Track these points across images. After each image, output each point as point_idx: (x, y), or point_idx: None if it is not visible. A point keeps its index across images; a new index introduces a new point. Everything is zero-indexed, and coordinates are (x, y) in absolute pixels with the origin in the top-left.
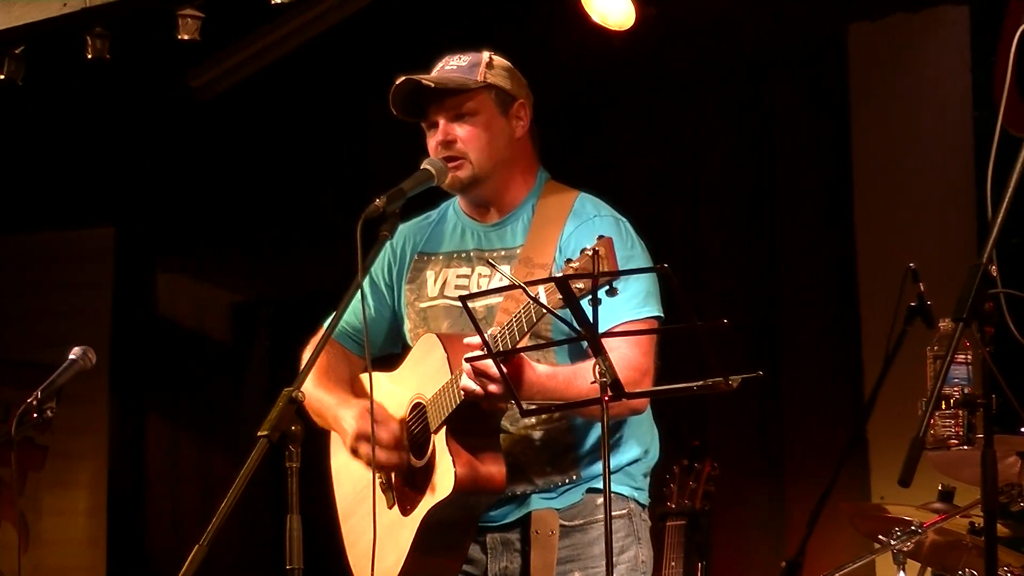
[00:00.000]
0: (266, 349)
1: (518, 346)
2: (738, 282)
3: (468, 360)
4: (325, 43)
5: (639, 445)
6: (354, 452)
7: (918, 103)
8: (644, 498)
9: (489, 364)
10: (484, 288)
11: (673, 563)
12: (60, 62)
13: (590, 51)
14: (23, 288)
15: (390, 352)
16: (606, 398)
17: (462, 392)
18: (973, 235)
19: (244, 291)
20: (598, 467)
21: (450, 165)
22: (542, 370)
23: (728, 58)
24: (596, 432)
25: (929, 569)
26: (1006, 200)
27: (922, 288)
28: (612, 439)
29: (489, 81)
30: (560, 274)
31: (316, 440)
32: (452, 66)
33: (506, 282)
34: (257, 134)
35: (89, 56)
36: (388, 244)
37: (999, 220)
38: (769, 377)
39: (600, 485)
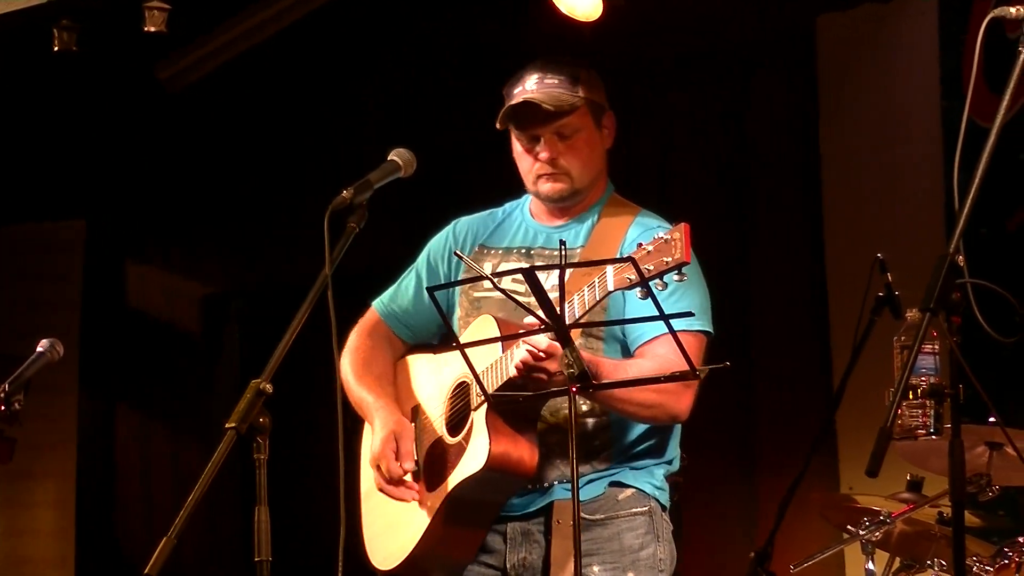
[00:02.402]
0: (237, 340)
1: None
2: (707, 270)
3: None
4: (294, 34)
5: (669, 453)
6: (372, 466)
7: (887, 93)
8: (666, 499)
9: (547, 341)
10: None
11: None
12: (27, 55)
13: (564, 44)
14: None
15: (433, 341)
16: (573, 389)
17: (514, 366)
18: (941, 225)
19: (214, 282)
20: (625, 463)
21: (547, 178)
22: (587, 357)
23: (699, 51)
24: (634, 430)
25: (898, 559)
26: (973, 190)
27: (890, 278)
28: (652, 441)
29: (588, 96)
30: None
31: (285, 432)
32: (552, 80)
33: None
34: (227, 126)
35: (56, 48)
36: (451, 234)
37: (966, 210)
38: (739, 367)
39: (623, 479)
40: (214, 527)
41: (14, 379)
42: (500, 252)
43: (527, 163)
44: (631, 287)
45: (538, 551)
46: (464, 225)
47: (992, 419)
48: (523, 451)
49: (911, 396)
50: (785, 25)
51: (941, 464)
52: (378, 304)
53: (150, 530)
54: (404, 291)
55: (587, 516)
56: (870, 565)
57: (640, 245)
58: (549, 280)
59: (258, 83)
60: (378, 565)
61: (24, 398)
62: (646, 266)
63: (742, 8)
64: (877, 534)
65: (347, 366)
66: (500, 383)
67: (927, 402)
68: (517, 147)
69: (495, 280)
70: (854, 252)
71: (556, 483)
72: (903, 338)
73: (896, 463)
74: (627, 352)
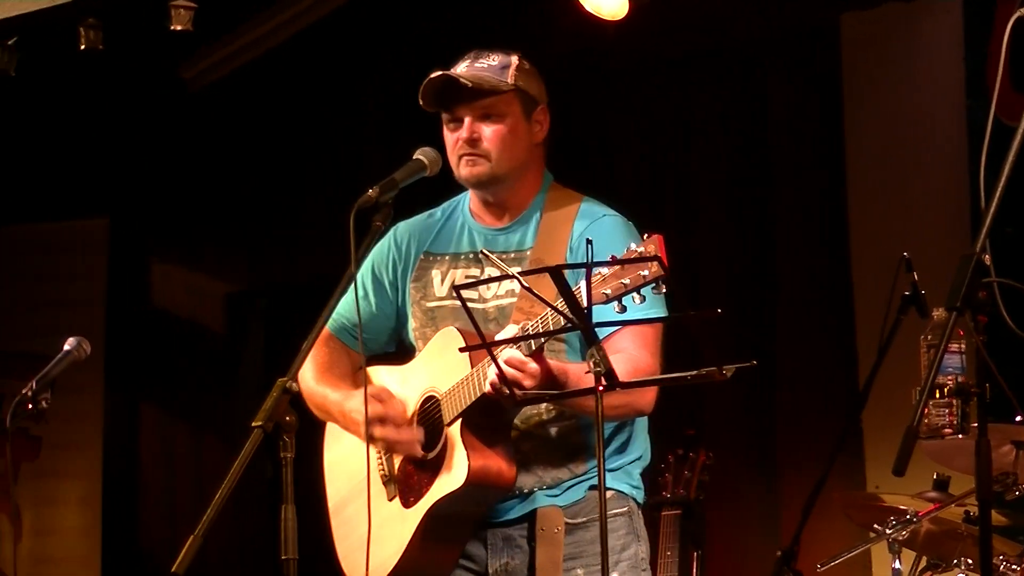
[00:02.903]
0: (261, 339)
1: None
2: (732, 272)
3: (461, 351)
4: (318, 33)
5: (639, 448)
6: (371, 437)
7: (911, 92)
8: (641, 497)
9: (524, 359)
10: (493, 289)
11: (668, 553)
12: (53, 53)
13: (584, 41)
14: (18, 278)
15: (386, 351)
16: (600, 388)
17: (489, 385)
18: (967, 224)
19: (238, 281)
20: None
21: (468, 160)
22: (555, 367)
23: (722, 48)
24: (606, 430)
25: (924, 558)
26: (999, 189)
27: (916, 277)
28: (620, 439)
29: (518, 84)
30: (608, 271)
31: (311, 431)
32: (482, 64)
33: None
34: (250, 124)
35: (82, 47)
36: (392, 242)
37: (992, 209)
38: (764, 367)
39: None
40: (240, 526)
41: (40, 377)
42: (447, 259)
43: (450, 144)
44: (607, 302)
45: (521, 557)
46: (404, 231)
47: (1019, 418)
48: (501, 463)
49: (937, 395)
50: (808, 24)
51: (967, 463)
52: (331, 323)
53: (173, 528)
54: (351, 303)
55: (569, 520)
56: (897, 564)
57: (613, 258)
58: (504, 286)
59: (280, 83)
60: None
61: (51, 396)
62: (622, 280)
63: (764, 6)
64: (904, 533)
65: (307, 372)
66: (471, 402)
67: (953, 401)
68: (445, 131)
69: (521, 279)
70: (879, 251)
71: (537, 490)
72: (929, 337)
73: (922, 462)
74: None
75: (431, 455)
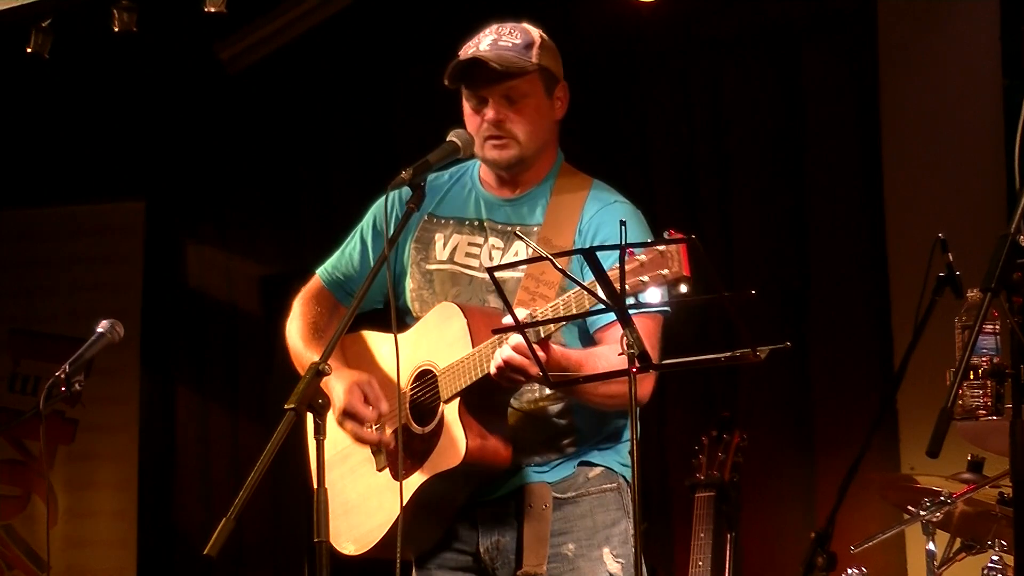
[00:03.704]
0: None
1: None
2: (767, 253)
3: (495, 332)
4: (353, 15)
5: (623, 431)
6: (340, 425)
7: (947, 73)
8: (630, 475)
9: (534, 345)
10: (495, 258)
11: (702, 534)
12: (87, 35)
13: (618, 22)
14: (54, 261)
15: (373, 307)
16: (634, 369)
17: (495, 368)
18: (1002, 205)
19: (273, 263)
20: (592, 444)
21: (495, 144)
22: (558, 351)
23: (758, 29)
24: (593, 414)
25: (958, 539)
26: None
27: (951, 258)
28: (615, 425)
29: (541, 63)
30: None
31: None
32: (506, 44)
33: (514, 254)
34: (286, 106)
35: (116, 29)
36: (397, 198)
37: None
38: (798, 348)
39: (591, 459)
40: (274, 507)
41: (74, 360)
42: (451, 223)
43: (474, 124)
44: (622, 295)
45: (511, 534)
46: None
47: None
48: (499, 444)
49: (972, 376)
50: (845, 5)
51: (1002, 444)
52: (321, 272)
53: (209, 510)
54: (348, 257)
55: (558, 495)
56: (931, 546)
57: (632, 255)
58: (505, 256)
59: (315, 64)
60: (343, 550)
61: (85, 379)
62: (640, 278)
63: None
64: (938, 515)
65: (293, 332)
66: (472, 381)
67: (988, 382)
68: (466, 108)
69: (553, 259)
70: (915, 232)
71: (526, 466)
72: (964, 318)
73: (956, 443)
74: (585, 335)
75: (426, 430)
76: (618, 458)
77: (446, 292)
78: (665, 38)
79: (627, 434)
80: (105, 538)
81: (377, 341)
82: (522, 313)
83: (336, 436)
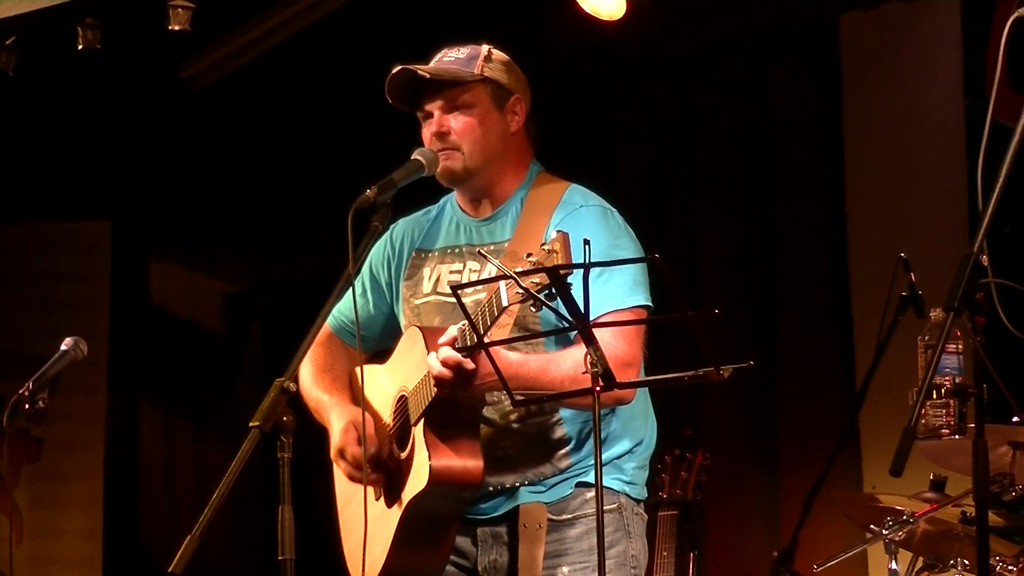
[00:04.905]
0: (260, 338)
1: (490, 333)
2: (731, 272)
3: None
4: (318, 33)
5: (631, 438)
6: (335, 461)
7: (910, 92)
8: (637, 492)
9: (455, 356)
10: (566, 284)
11: (665, 553)
12: (51, 53)
13: (586, 39)
14: (20, 279)
15: (387, 347)
16: (598, 388)
17: (435, 384)
18: (964, 224)
19: (238, 281)
20: (589, 460)
21: (441, 155)
22: (513, 357)
23: (722, 46)
24: (586, 424)
25: (921, 558)
26: (997, 189)
27: (913, 277)
28: (613, 428)
29: (486, 74)
30: (521, 269)
31: (308, 431)
32: (450, 58)
33: (488, 274)
34: (250, 124)
35: (80, 46)
36: (388, 241)
37: (990, 209)
38: (762, 367)
39: (589, 479)
40: (238, 526)
41: (38, 377)
42: (436, 254)
43: (425, 140)
44: (522, 301)
45: (507, 554)
46: (400, 229)
47: (1016, 419)
48: (466, 461)
49: (935, 395)
50: (808, 23)
51: (964, 463)
52: (331, 319)
53: (174, 528)
54: (351, 302)
55: (554, 517)
56: (893, 565)
57: (527, 257)
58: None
59: (280, 82)
60: None
61: (49, 396)
62: (532, 280)
63: (764, 5)
64: (900, 533)
65: (305, 374)
66: (430, 399)
67: (951, 401)
68: (422, 128)
69: (519, 280)
70: (877, 251)
71: (520, 486)
72: (927, 337)
73: (919, 462)
74: (568, 339)
75: (404, 455)
76: (620, 475)
77: (432, 323)
78: (631, 54)
79: (626, 446)
80: (71, 556)
81: (368, 374)
82: (453, 331)
83: None
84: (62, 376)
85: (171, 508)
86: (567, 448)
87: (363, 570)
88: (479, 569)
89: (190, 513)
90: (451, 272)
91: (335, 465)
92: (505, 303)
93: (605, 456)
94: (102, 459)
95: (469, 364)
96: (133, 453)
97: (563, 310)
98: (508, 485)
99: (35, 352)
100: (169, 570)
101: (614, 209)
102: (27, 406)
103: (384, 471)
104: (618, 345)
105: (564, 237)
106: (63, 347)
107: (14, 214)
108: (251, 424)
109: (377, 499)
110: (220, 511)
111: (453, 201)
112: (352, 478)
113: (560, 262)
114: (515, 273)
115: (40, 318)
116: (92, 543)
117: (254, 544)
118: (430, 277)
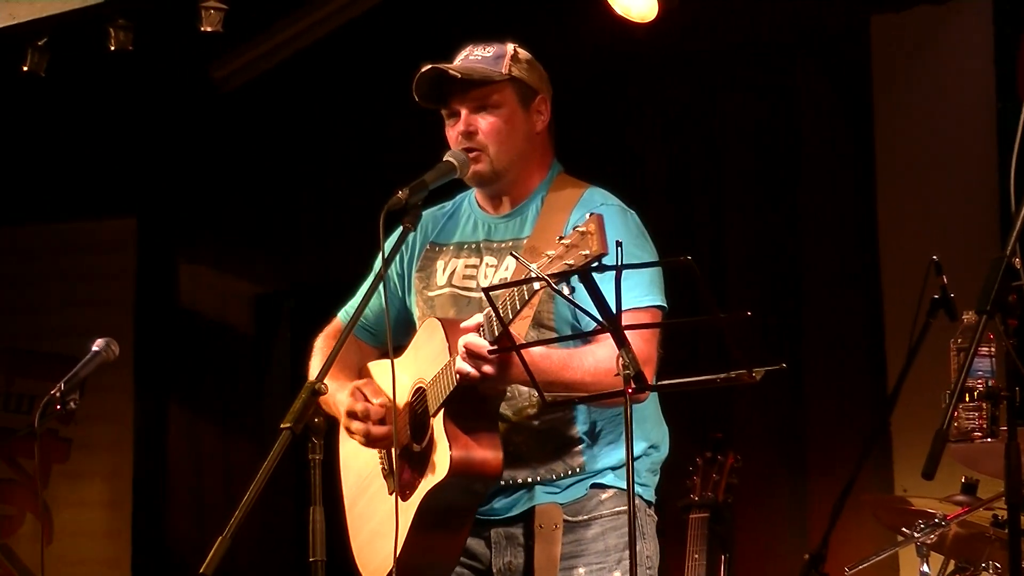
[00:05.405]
0: (289, 340)
1: (512, 325)
2: (760, 274)
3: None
4: (346, 35)
5: (644, 440)
6: (348, 431)
7: (941, 95)
8: (649, 494)
9: (483, 345)
10: (490, 277)
11: (696, 555)
12: (83, 54)
13: (612, 40)
14: (46, 278)
15: (399, 342)
16: (629, 390)
17: (457, 375)
18: (996, 227)
19: (266, 282)
20: (602, 460)
21: (469, 156)
22: (536, 351)
23: (752, 49)
24: (600, 422)
25: (952, 561)
26: None
27: (945, 280)
28: (612, 432)
29: (513, 74)
30: (553, 252)
31: (338, 433)
32: (477, 56)
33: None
34: (279, 125)
35: (112, 47)
36: (399, 233)
37: (1022, 212)
38: (792, 370)
39: (604, 480)
40: (268, 527)
41: (69, 379)
42: (451, 249)
43: (451, 140)
44: (559, 284)
45: (523, 555)
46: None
47: None
48: (486, 452)
49: (967, 398)
50: (838, 25)
51: (996, 466)
52: (342, 314)
53: (201, 529)
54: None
55: (569, 518)
56: (925, 568)
57: (559, 240)
58: (498, 273)
59: (311, 83)
60: None
61: (79, 397)
62: (566, 262)
63: (794, 7)
64: (932, 536)
65: (314, 368)
66: (450, 390)
67: (983, 404)
68: (446, 127)
69: (551, 282)
70: (909, 254)
71: (537, 486)
72: (959, 340)
73: (951, 465)
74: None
75: (420, 447)
76: (635, 477)
77: (446, 315)
78: (659, 55)
79: (641, 447)
80: (99, 557)
81: (379, 369)
82: (479, 318)
83: (360, 463)
84: (89, 376)
85: (198, 509)
86: (580, 446)
87: (394, 550)
88: (493, 571)
89: (217, 514)
90: (467, 267)
91: (342, 446)
92: (528, 296)
93: (618, 458)
94: (130, 460)
95: (490, 352)
96: (161, 454)
97: (594, 311)
98: (520, 480)
99: (61, 352)
100: (200, 571)
101: (633, 212)
102: (58, 407)
103: (398, 462)
104: (635, 343)
105: (599, 219)
106: (94, 348)
107: (40, 214)
108: (282, 426)
109: (390, 493)
110: (250, 512)
111: (471, 198)
112: (367, 436)
113: (596, 244)
114: (547, 276)
115: (65, 318)
116: (119, 543)
117: (284, 545)
118: (444, 270)
